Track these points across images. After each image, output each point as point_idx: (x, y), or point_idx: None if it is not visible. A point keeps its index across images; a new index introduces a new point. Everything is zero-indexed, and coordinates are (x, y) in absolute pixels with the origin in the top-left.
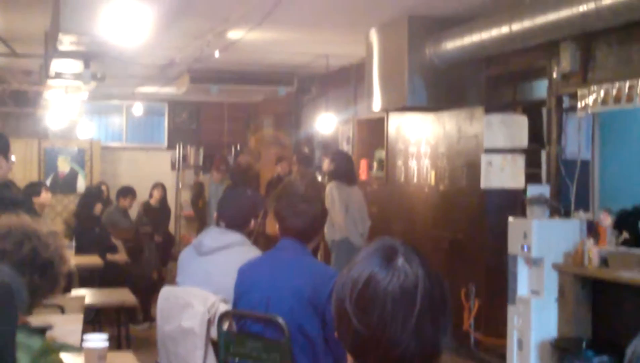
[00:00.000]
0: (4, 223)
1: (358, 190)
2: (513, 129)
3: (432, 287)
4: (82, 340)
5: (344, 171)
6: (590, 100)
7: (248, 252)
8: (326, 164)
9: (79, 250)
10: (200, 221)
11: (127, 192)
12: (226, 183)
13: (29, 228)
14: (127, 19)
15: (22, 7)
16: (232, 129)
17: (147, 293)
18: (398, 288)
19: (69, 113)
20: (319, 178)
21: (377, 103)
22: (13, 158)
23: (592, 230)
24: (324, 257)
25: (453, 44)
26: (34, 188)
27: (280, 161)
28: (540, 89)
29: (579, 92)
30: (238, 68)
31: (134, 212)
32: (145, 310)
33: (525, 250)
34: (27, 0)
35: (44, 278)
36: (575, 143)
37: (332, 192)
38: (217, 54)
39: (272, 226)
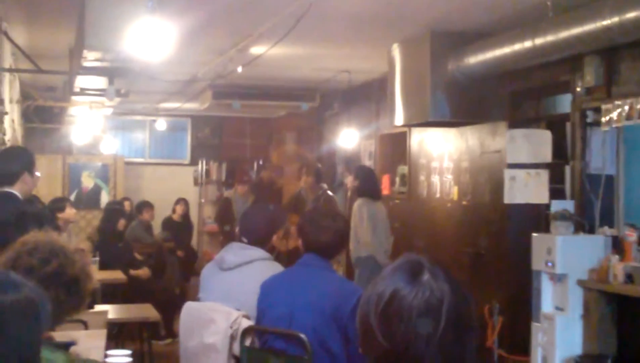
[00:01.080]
0: (31, 239)
1: (382, 206)
2: (536, 144)
3: (457, 303)
4: (105, 355)
5: (369, 187)
6: (614, 114)
7: (270, 268)
8: (350, 180)
9: (102, 266)
10: (225, 236)
11: (144, 206)
12: (250, 199)
13: (56, 244)
14: (150, 35)
15: (47, 24)
16: (254, 145)
17: (170, 308)
18: (423, 304)
19: (93, 129)
20: (329, 192)
21: (399, 118)
22: (38, 173)
23: (617, 245)
24: (347, 274)
25: (475, 59)
26: (59, 204)
27: (303, 175)
28: (564, 103)
29: (603, 107)
30: (260, 84)
31: (157, 227)
32: (168, 326)
33: (550, 265)
34: (51, 17)
35: (69, 295)
36: (600, 157)
37: (360, 209)
38: (239, 69)
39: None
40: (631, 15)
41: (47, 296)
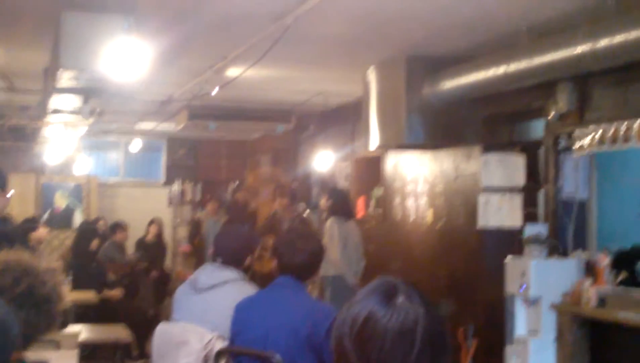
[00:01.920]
0: (1, 258)
1: (355, 226)
2: (510, 168)
3: (432, 326)
4: None
5: (341, 206)
6: (587, 140)
7: (245, 289)
8: (324, 201)
9: (75, 286)
10: (197, 258)
11: (118, 226)
12: (223, 219)
13: (26, 264)
14: (127, 56)
15: (22, 42)
16: (230, 166)
17: (143, 329)
18: (398, 326)
19: (66, 149)
20: (306, 213)
21: (374, 141)
22: (10, 192)
23: (590, 269)
24: (320, 293)
25: (450, 84)
26: (31, 224)
27: (278, 197)
28: (538, 128)
29: (576, 132)
30: (237, 105)
31: (130, 248)
32: (140, 347)
33: (523, 289)
34: (27, 36)
35: (41, 315)
36: (573, 182)
37: (331, 227)
38: (215, 91)
39: (269, 264)
40: (603, 42)
41: (18, 317)
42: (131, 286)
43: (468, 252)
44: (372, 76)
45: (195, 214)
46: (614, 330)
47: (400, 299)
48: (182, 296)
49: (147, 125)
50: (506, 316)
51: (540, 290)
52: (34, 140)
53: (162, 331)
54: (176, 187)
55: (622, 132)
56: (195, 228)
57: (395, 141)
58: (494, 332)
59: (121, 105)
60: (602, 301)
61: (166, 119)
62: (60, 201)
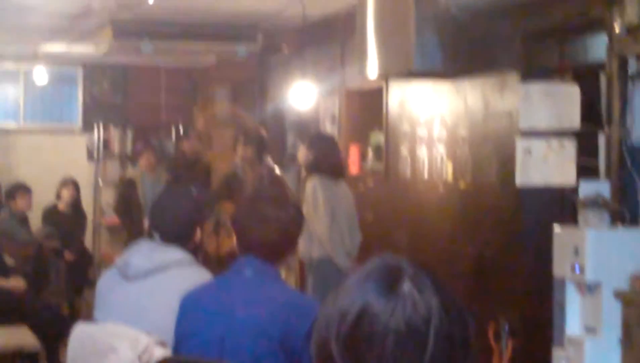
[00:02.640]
0: None
1: (346, 188)
2: (560, 103)
3: (450, 323)
4: None
5: (328, 161)
6: None
7: (193, 275)
8: (303, 153)
9: None
10: (129, 233)
11: (18, 190)
12: (163, 178)
13: None
14: None
15: None
16: (172, 104)
17: (54, 333)
18: (403, 325)
19: None
20: (277, 170)
21: (372, 68)
22: None
23: None
24: (299, 281)
25: None
26: None
27: (240, 147)
28: (597, 48)
29: None
30: (181, 19)
31: (36, 220)
32: (51, 357)
33: (577, 271)
34: None
35: None
36: None
37: (315, 191)
38: None
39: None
40: None
41: None
42: (37, 274)
43: (502, 221)
44: None
45: (126, 172)
46: None
47: (406, 287)
48: (108, 286)
49: (56, 47)
50: (554, 309)
51: (601, 272)
52: None
53: (81, 335)
54: (98, 134)
55: None
56: (126, 192)
57: (402, 67)
58: (537, 329)
59: (18, 18)
60: None
61: (82, 38)
62: None
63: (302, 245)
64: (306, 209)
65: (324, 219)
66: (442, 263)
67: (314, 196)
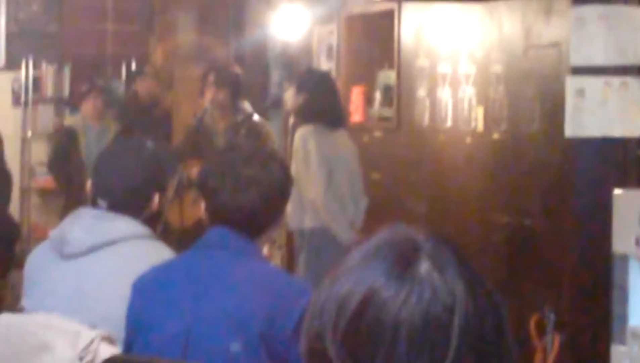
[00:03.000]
0: None
1: (348, 140)
2: (622, 32)
3: (479, 313)
4: None
5: (323, 105)
6: None
7: (149, 252)
8: (291, 96)
9: None
10: (67, 199)
11: None
12: (112, 128)
13: None
14: None
15: None
16: (121, 33)
17: None
18: (419, 315)
19: None
20: (256, 117)
21: None
22: None
23: None
24: (289, 261)
25: None
26: None
27: (209, 87)
28: None
29: None
30: None
31: None
32: None
33: None
34: None
35: None
36: None
37: (306, 142)
38: None
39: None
40: None
41: None
42: None
43: (547, 182)
44: None
45: (61, 119)
46: None
47: (423, 267)
48: (39, 267)
49: None
50: (613, 295)
51: None
52: None
53: (6, 328)
54: (26, 72)
55: None
56: (63, 145)
57: None
58: (591, 321)
59: None
60: None
61: None
62: None
63: (292, 212)
64: (295, 166)
65: (319, 179)
66: (469, 237)
67: (305, 149)
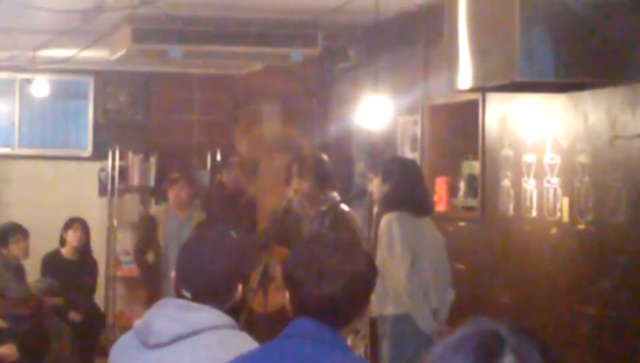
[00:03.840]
0: None
1: (434, 228)
2: None
3: None
4: None
5: (408, 193)
6: None
7: (233, 342)
8: (376, 185)
9: None
10: (152, 288)
11: (11, 232)
12: (197, 218)
13: None
14: None
15: None
16: (207, 123)
17: None
18: None
19: None
20: (344, 206)
21: (465, 77)
22: None
23: None
24: (370, 348)
25: None
26: None
27: (294, 177)
28: None
29: None
30: (218, 16)
31: (33, 270)
32: None
33: None
34: None
35: None
36: None
37: (390, 227)
38: None
39: (278, 298)
40: None
41: None
42: (35, 339)
43: (632, 272)
44: None
45: (147, 209)
46: None
47: (508, 360)
48: (124, 356)
49: (61, 53)
50: None
51: None
52: None
53: None
54: (113, 162)
55: None
56: (149, 235)
57: (503, 76)
58: None
59: (14, 16)
60: None
61: (94, 41)
62: None
63: (374, 299)
64: (379, 253)
65: (402, 264)
66: (555, 328)
67: (389, 234)
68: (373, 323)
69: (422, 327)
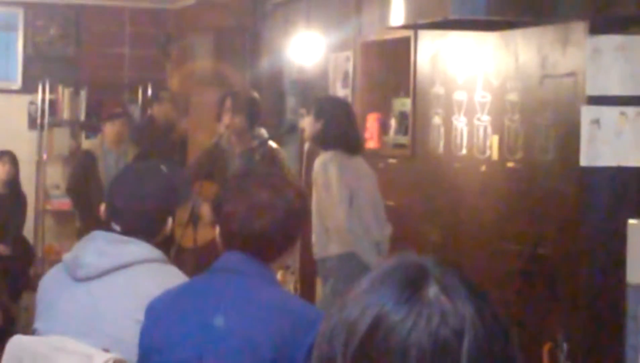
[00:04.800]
0: None
1: (366, 166)
2: (639, 62)
3: (489, 338)
4: None
5: (342, 132)
6: None
7: (163, 276)
8: (308, 122)
9: None
10: (83, 222)
11: None
12: (131, 153)
13: None
14: None
15: None
16: (138, 57)
17: None
18: (428, 340)
19: None
20: (272, 143)
21: (397, 13)
22: None
23: None
24: (303, 290)
25: None
26: None
27: (226, 113)
28: None
29: None
30: None
31: None
32: None
33: None
34: None
35: None
36: None
37: (327, 169)
38: None
39: (207, 232)
40: None
41: None
42: None
43: (560, 211)
44: None
45: (78, 143)
46: None
47: (432, 291)
48: (52, 289)
49: None
50: (626, 325)
51: None
52: None
53: (18, 350)
54: (43, 95)
55: None
56: (82, 169)
57: (435, 13)
58: (604, 350)
59: None
60: None
61: None
62: None
63: (316, 241)
64: (316, 194)
65: (340, 203)
66: (483, 264)
67: (325, 175)
68: (304, 265)
69: (368, 262)
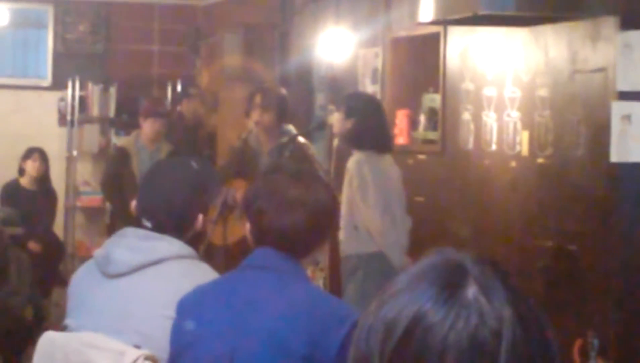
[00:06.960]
0: None
1: (394, 165)
2: None
3: (527, 339)
4: None
5: (373, 132)
6: None
7: (194, 272)
8: (338, 120)
9: None
10: (115, 219)
11: None
12: (165, 149)
13: None
14: None
15: None
16: (167, 54)
17: (16, 343)
18: (466, 340)
19: None
20: (302, 139)
21: (427, 8)
22: None
23: None
24: (332, 285)
25: None
26: None
27: (255, 109)
28: None
29: None
30: None
31: None
32: None
33: None
34: None
35: None
36: None
37: (362, 171)
38: None
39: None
40: None
41: None
42: None
43: (591, 207)
44: None
45: (107, 139)
46: None
47: (471, 291)
48: (83, 285)
49: None
50: None
51: None
52: None
53: (49, 346)
54: (72, 92)
55: None
56: (115, 166)
57: (465, 9)
58: (636, 346)
59: None
60: None
61: None
62: None
63: (346, 238)
64: (349, 193)
65: (376, 209)
66: (512, 260)
67: (361, 178)
68: (333, 262)
69: (394, 263)
